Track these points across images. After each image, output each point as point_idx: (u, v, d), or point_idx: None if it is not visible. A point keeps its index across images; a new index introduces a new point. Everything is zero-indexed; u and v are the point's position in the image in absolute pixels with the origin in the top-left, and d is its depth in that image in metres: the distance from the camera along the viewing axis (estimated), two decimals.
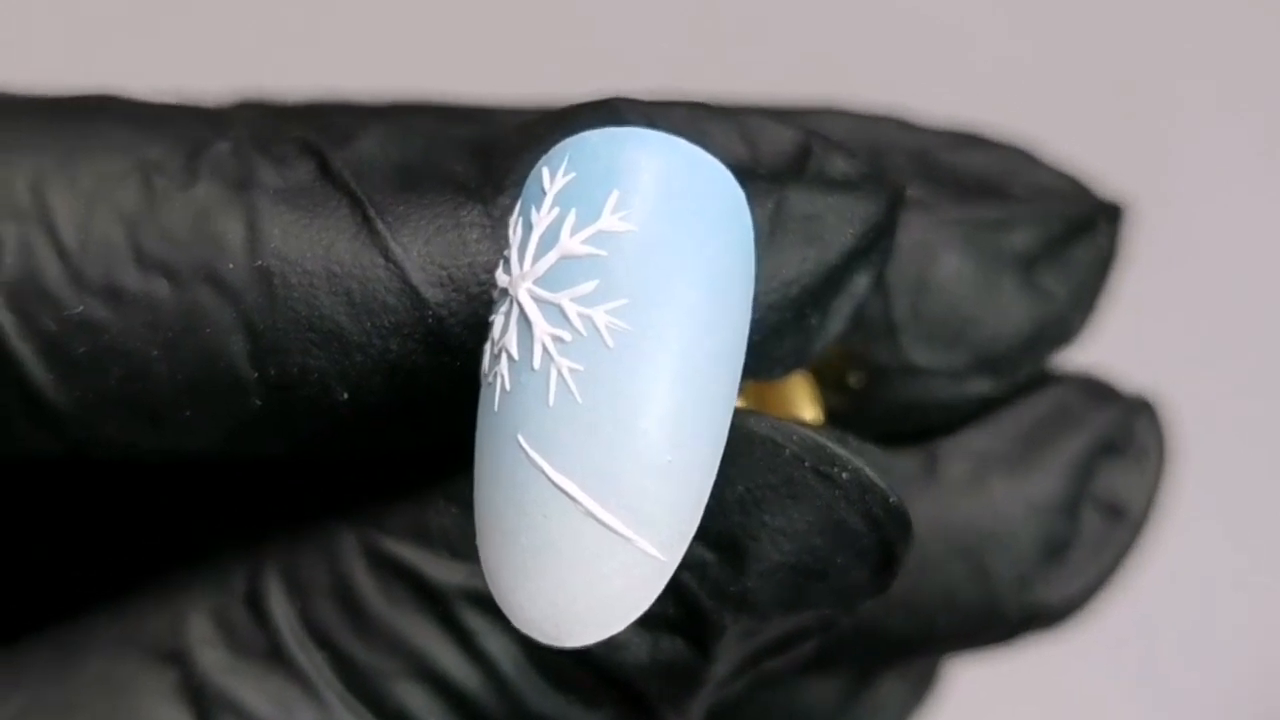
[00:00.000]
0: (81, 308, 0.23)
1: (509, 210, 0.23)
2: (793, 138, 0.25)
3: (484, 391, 0.22)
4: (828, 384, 0.27)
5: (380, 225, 0.23)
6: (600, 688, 0.24)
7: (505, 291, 0.22)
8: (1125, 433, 0.28)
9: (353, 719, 0.24)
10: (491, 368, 0.22)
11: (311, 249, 0.23)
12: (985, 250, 0.27)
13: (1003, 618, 0.27)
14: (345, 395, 0.24)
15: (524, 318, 0.22)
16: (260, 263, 0.23)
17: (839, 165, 0.24)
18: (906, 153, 0.27)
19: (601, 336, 0.21)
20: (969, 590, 0.27)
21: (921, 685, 0.29)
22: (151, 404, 0.24)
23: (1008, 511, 0.27)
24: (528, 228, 0.22)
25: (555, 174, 0.22)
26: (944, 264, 0.27)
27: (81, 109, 0.25)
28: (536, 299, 0.22)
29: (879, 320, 0.27)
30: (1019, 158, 0.28)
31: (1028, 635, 0.28)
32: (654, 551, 0.21)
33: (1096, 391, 0.28)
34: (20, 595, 0.27)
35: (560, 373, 0.21)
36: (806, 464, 0.23)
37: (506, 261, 0.22)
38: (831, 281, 0.24)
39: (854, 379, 0.27)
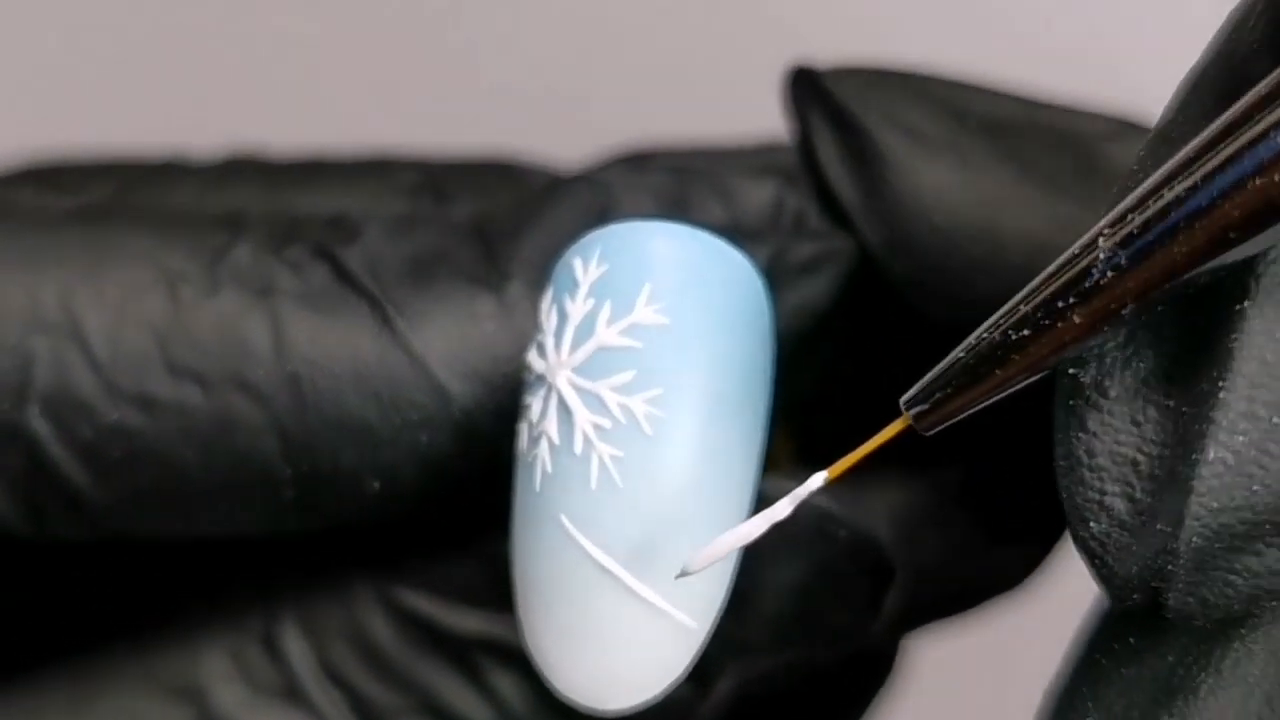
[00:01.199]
0: (117, 415, 0.24)
1: (520, 298, 0.25)
2: (767, 193, 0.26)
3: (522, 470, 0.24)
4: None
5: (400, 324, 0.25)
6: None
7: (542, 377, 0.23)
8: None
9: None
10: (530, 450, 0.23)
11: (337, 352, 0.25)
12: None
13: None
14: (377, 485, 0.25)
15: (564, 405, 0.23)
16: (289, 368, 0.24)
17: (811, 215, 0.26)
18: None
19: (640, 425, 0.23)
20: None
21: (882, 670, 0.31)
22: (186, 500, 0.25)
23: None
24: (562, 316, 0.23)
25: (588, 265, 0.23)
26: None
27: (99, 216, 0.26)
28: (576, 387, 0.23)
29: None
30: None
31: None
32: (688, 621, 0.23)
33: None
34: (38, 629, 0.28)
35: (602, 459, 0.23)
36: (809, 524, 0.25)
37: (541, 347, 0.24)
38: (819, 326, 0.26)
39: None
